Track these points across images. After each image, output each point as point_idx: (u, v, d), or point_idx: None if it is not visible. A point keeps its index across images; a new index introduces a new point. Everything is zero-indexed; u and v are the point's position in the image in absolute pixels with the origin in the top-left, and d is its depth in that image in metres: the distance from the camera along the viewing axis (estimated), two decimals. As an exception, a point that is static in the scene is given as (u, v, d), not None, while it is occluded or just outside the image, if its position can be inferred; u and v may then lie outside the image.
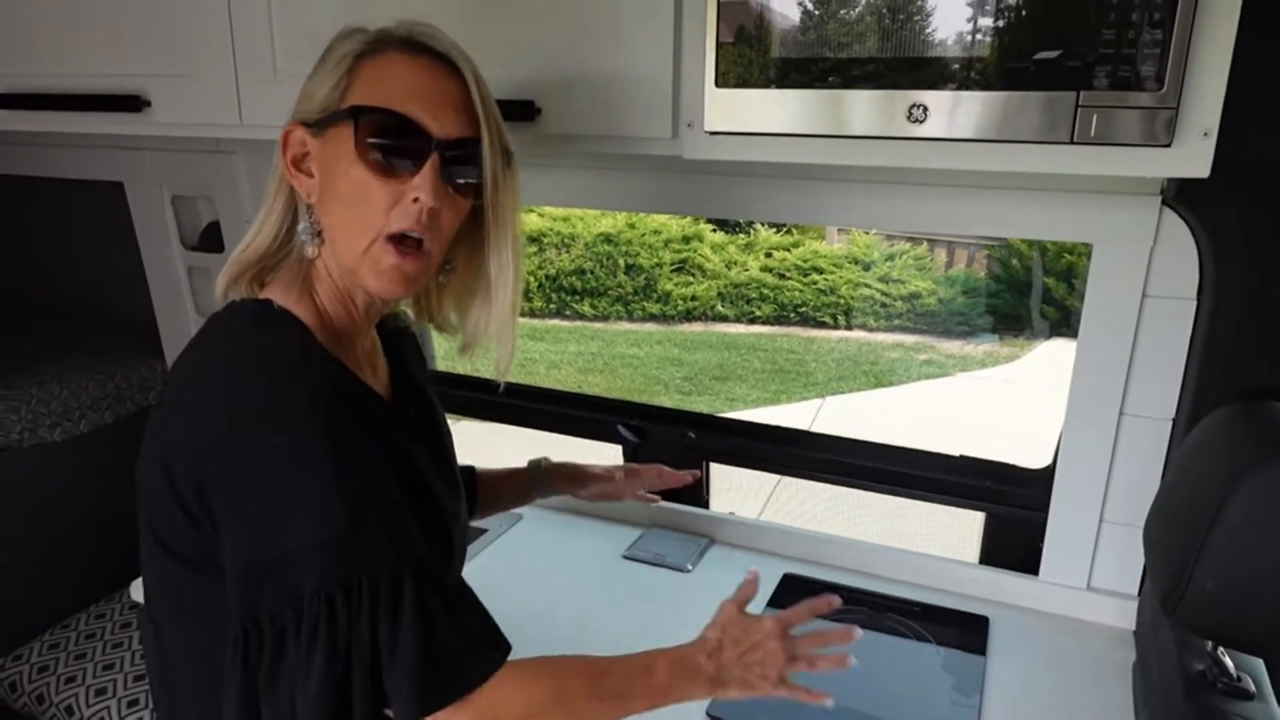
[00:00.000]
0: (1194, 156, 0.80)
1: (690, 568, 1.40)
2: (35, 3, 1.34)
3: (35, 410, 1.75)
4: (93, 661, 1.65)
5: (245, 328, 0.81)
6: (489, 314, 0.93)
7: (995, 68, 0.82)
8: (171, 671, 0.88)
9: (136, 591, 1.32)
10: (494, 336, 0.93)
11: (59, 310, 2.28)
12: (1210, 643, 0.92)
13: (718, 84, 0.93)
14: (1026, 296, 6.64)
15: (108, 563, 1.85)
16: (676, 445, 1.59)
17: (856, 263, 7.02)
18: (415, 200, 0.80)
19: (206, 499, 0.75)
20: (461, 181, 0.83)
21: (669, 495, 1.58)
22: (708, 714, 1.06)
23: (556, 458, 1.28)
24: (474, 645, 0.78)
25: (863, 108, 0.88)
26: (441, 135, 0.81)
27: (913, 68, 0.85)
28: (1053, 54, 0.80)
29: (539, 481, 1.26)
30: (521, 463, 1.28)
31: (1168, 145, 0.79)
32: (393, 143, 0.80)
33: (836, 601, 0.93)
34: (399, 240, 0.81)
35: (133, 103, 1.28)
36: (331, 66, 0.83)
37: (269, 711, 0.75)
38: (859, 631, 0.91)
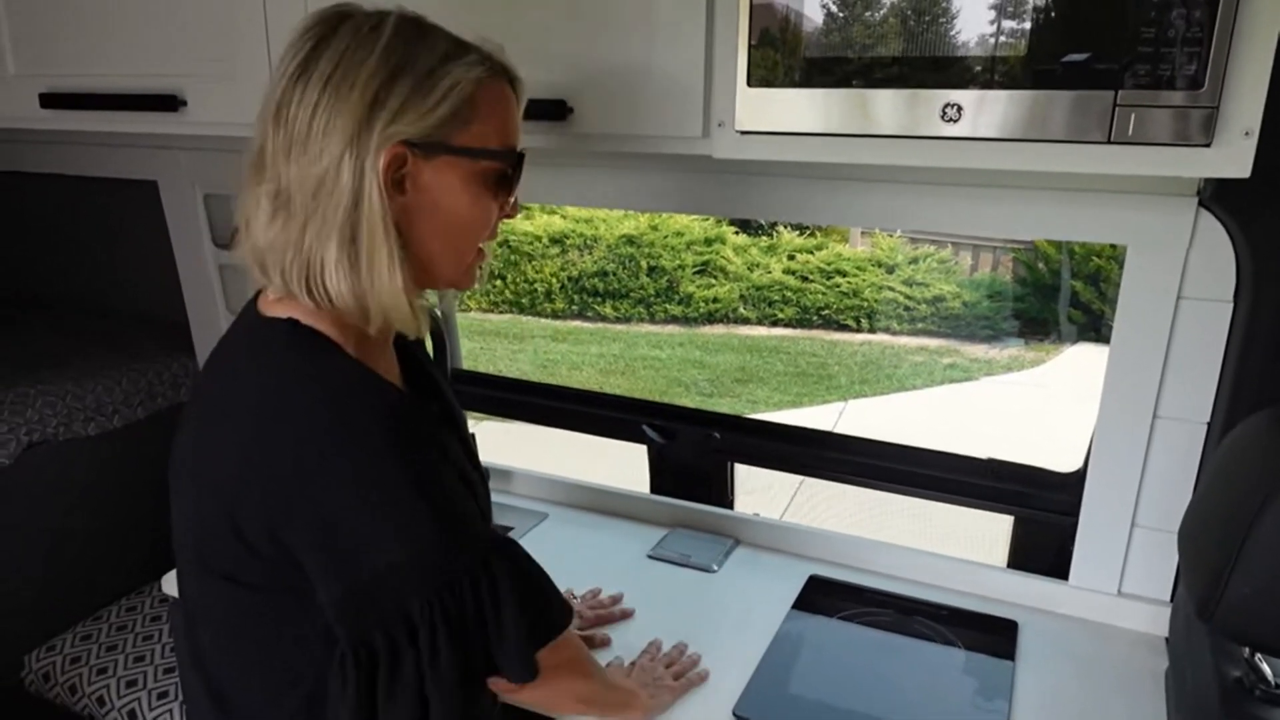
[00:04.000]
0: (1234, 157, 0.79)
1: (716, 568, 1.40)
2: (73, 3, 1.36)
3: (70, 405, 1.78)
4: (124, 653, 1.68)
5: (285, 355, 0.79)
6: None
7: (1030, 68, 0.82)
8: (220, 677, 0.88)
9: (167, 585, 1.34)
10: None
11: (93, 307, 2.32)
12: (1247, 649, 0.90)
13: (749, 83, 0.93)
14: (1053, 300, 6.57)
15: (139, 556, 1.88)
16: (702, 446, 1.59)
17: (880, 265, 6.98)
18: (512, 206, 0.88)
19: (280, 535, 0.75)
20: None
21: (694, 496, 1.59)
22: (734, 714, 1.06)
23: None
24: (552, 604, 0.87)
25: (896, 107, 0.87)
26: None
27: (948, 67, 0.84)
28: (1090, 54, 0.79)
29: None
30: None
31: (1207, 145, 0.78)
32: (516, 175, 0.87)
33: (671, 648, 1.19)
34: None
35: (169, 102, 1.30)
36: (446, 90, 0.78)
37: (391, 716, 0.77)
38: (699, 656, 1.18)
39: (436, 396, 1.01)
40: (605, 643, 1.22)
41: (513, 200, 0.88)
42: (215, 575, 0.81)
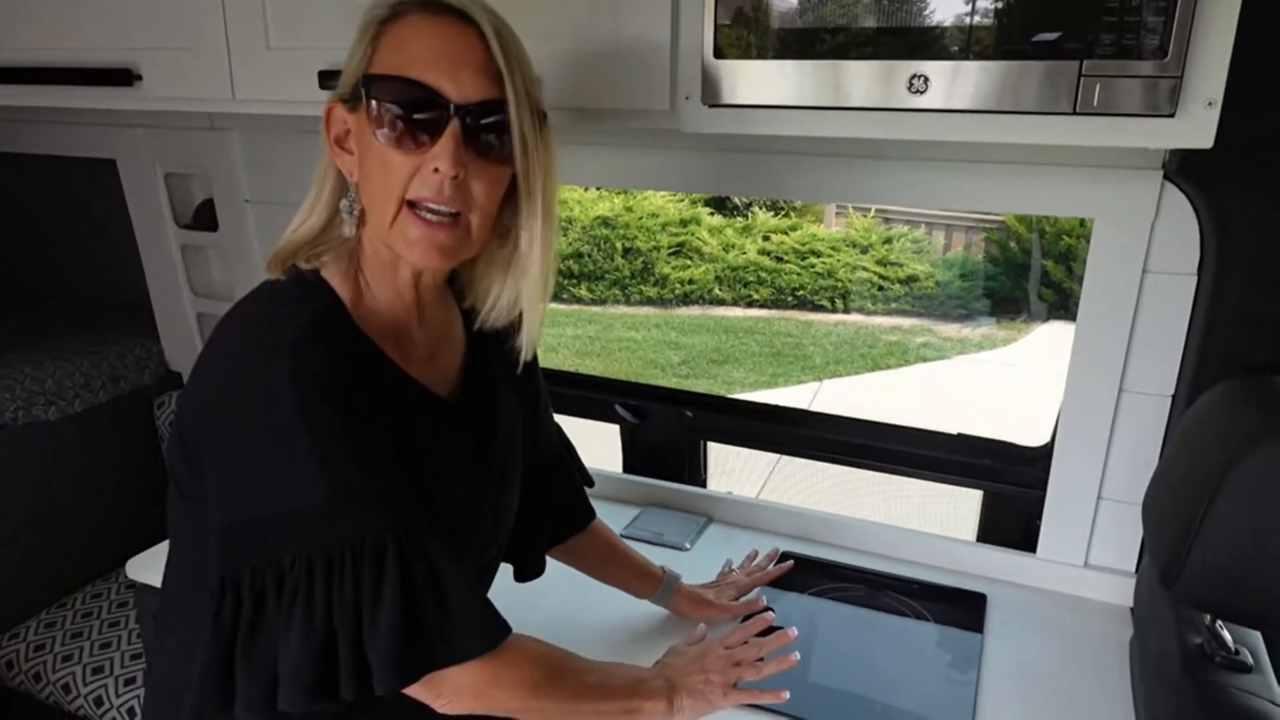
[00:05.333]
0: (1198, 127, 0.79)
1: (689, 546, 1.40)
2: (24, -25, 1.32)
3: (29, 389, 1.74)
4: (89, 640, 1.65)
5: (265, 299, 0.82)
6: (516, 288, 0.88)
7: (999, 41, 0.81)
8: (166, 587, 0.91)
9: (133, 570, 1.32)
10: (524, 313, 0.89)
11: (52, 289, 2.27)
12: (1208, 616, 0.92)
13: (717, 55, 0.92)
14: (1024, 279, 6.63)
15: (104, 542, 1.85)
16: (674, 425, 1.59)
17: (854, 246, 7.00)
18: (435, 170, 0.76)
19: (202, 452, 0.78)
20: (490, 147, 0.79)
21: (667, 475, 1.59)
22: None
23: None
24: (459, 624, 0.78)
25: (863, 79, 0.87)
26: (461, 99, 0.76)
27: (916, 39, 0.84)
28: (1057, 31, 0.79)
29: (665, 592, 1.19)
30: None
31: (1171, 115, 0.79)
32: (408, 111, 0.76)
33: (793, 633, 1.03)
34: (422, 208, 0.78)
35: (123, 76, 1.27)
36: (358, 37, 0.80)
37: (244, 667, 0.76)
38: (794, 631, 1.03)
39: (479, 396, 0.96)
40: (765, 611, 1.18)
41: (440, 146, 0.76)
42: (172, 479, 0.85)
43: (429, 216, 0.78)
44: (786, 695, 0.98)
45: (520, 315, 0.91)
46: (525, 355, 0.92)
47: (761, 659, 1.01)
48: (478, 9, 0.78)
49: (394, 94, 0.76)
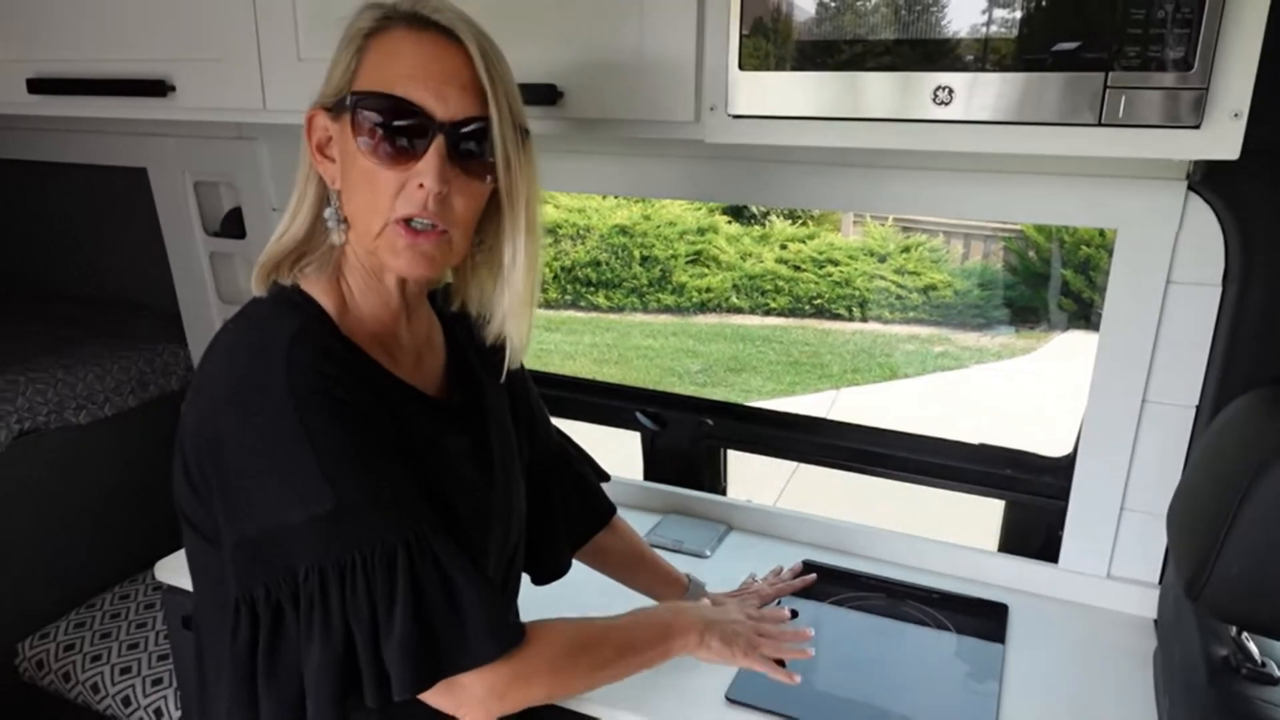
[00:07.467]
0: (1224, 138, 0.79)
1: (709, 553, 1.41)
2: (61, -12, 1.35)
3: (61, 393, 1.77)
4: (117, 640, 1.68)
5: (255, 314, 0.83)
6: (504, 300, 0.90)
7: (1021, 53, 0.82)
8: (200, 649, 0.90)
9: (161, 572, 1.34)
10: (509, 325, 0.91)
11: (83, 295, 2.31)
12: (1234, 628, 0.91)
13: (741, 66, 0.93)
14: (1043, 288, 6.59)
15: (132, 543, 1.88)
16: (694, 433, 1.60)
17: (872, 255, 6.98)
18: (420, 186, 0.78)
19: (206, 477, 0.78)
20: (473, 164, 0.81)
21: (687, 482, 1.60)
22: (726, 698, 1.07)
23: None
24: (471, 627, 0.78)
25: (888, 90, 0.87)
26: (446, 117, 0.78)
27: (939, 51, 0.84)
28: (1081, 39, 0.79)
29: (690, 600, 1.16)
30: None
31: (1197, 127, 0.79)
32: (394, 128, 0.77)
33: (810, 632, 1.05)
34: (409, 222, 0.80)
35: (157, 87, 1.29)
36: (343, 46, 0.81)
37: (266, 685, 0.77)
38: (811, 630, 1.05)
39: (468, 394, 0.97)
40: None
41: (425, 163, 0.78)
42: (186, 523, 0.84)
43: (417, 225, 0.80)
44: (799, 679, 1.01)
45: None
46: (512, 365, 0.93)
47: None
48: (463, 26, 0.80)
49: (381, 111, 0.77)
